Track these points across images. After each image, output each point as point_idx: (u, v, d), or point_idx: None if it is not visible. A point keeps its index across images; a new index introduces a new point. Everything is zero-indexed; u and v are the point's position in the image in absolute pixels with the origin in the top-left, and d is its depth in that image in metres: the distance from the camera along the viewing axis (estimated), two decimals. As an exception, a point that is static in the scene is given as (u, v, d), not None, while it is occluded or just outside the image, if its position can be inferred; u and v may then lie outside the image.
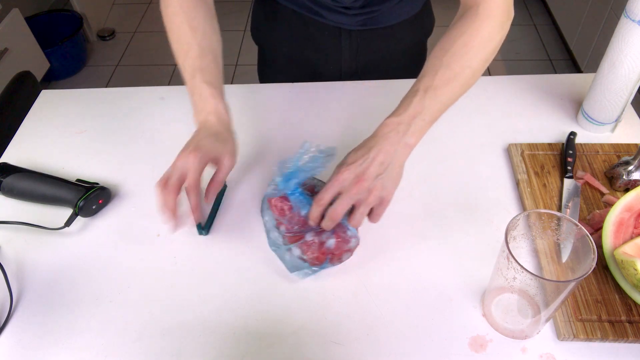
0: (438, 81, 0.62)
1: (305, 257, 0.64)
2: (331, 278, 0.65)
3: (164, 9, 0.73)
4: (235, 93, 0.93)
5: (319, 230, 0.64)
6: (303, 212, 0.63)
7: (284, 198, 0.64)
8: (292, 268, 0.64)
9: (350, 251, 0.65)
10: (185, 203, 0.63)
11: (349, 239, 0.64)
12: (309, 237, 0.64)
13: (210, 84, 0.67)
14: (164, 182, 0.61)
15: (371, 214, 0.63)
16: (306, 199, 0.64)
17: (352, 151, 0.62)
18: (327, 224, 0.61)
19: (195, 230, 0.71)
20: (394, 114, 0.63)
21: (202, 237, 0.71)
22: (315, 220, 0.62)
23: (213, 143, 0.64)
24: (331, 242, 0.63)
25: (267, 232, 0.67)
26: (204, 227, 0.71)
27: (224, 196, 0.76)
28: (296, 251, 0.64)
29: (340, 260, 0.65)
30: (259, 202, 0.75)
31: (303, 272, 0.63)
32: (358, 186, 0.59)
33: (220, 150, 0.64)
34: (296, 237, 0.65)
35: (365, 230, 0.67)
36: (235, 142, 0.68)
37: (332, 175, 0.61)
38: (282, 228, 0.65)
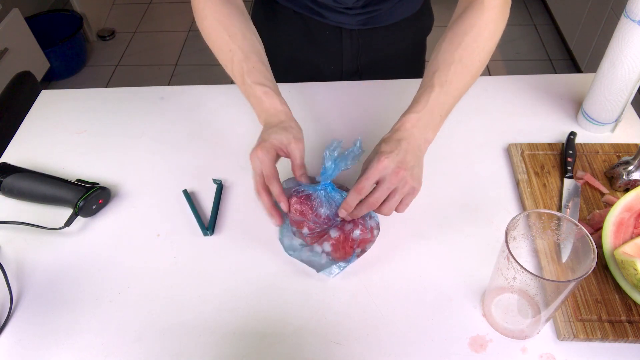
0: (452, 76, 0.63)
1: (332, 254, 0.64)
2: (331, 278, 0.65)
3: (201, 23, 0.74)
4: (236, 93, 0.93)
5: (340, 225, 0.64)
6: (322, 210, 0.63)
7: (304, 198, 0.63)
8: (319, 267, 0.64)
9: (373, 240, 0.65)
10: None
11: (372, 228, 0.64)
12: (334, 233, 0.64)
13: (261, 84, 0.67)
14: (256, 189, 0.63)
15: (400, 204, 0.63)
16: (334, 194, 0.63)
17: (383, 142, 0.62)
18: (361, 211, 0.61)
19: (196, 230, 0.72)
20: (412, 109, 0.63)
21: (201, 237, 0.71)
22: (349, 209, 0.62)
23: (276, 134, 0.63)
24: (357, 233, 0.63)
25: (282, 238, 0.68)
26: (208, 227, 0.71)
27: (223, 196, 0.76)
28: (320, 249, 0.64)
29: (364, 250, 0.65)
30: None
31: (330, 270, 0.64)
32: (398, 175, 0.59)
33: (285, 139, 0.63)
34: (319, 235, 0.64)
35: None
36: (299, 127, 0.66)
37: (373, 163, 0.60)
38: (305, 230, 0.64)
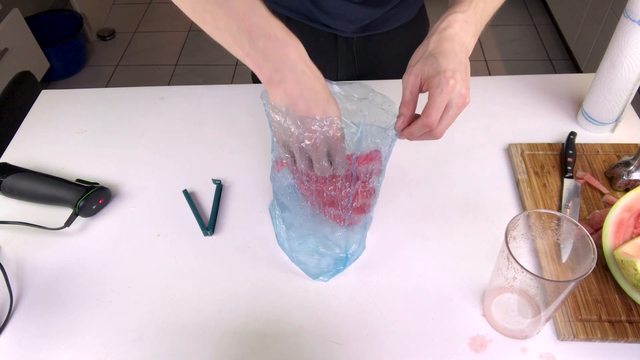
0: None
1: (333, 213, 0.59)
2: (331, 278, 0.65)
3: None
4: (235, 93, 0.93)
5: (335, 186, 0.57)
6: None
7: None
8: (315, 275, 0.64)
9: (374, 195, 0.59)
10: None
11: (371, 190, 0.59)
12: (331, 190, 0.57)
13: (280, 27, 0.49)
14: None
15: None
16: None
17: (440, 55, 0.53)
18: (417, 132, 0.54)
19: (196, 230, 0.72)
20: (457, 9, 0.56)
21: (201, 237, 0.71)
22: (412, 138, 0.55)
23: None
24: (354, 189, 0.57)
25: (282, 242, 0.67)
26: (208, 227, 0.71)
27: (223, 196, 0.76)
28: (321, 216, 0.59)
29: (363, 211, 0.60)
30: (259, 202, 0.75)
31: (328, 274, 0.63)
32: (465, 99, 0.52)
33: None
34: (316, 194, 0.58)
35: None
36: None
37: (440, 85, 0.51)
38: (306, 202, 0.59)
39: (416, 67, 0.55)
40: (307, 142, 0.51)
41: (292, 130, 0.51)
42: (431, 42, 0.55)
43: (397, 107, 0.57)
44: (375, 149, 0.56)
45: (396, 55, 0.96)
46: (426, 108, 0.53)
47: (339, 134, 0.51)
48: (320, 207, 0.59)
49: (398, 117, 0.56)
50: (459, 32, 0.55)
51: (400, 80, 0.58)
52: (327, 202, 0.58)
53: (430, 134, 0.54)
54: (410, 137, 0.56)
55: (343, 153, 0.52)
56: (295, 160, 0.55)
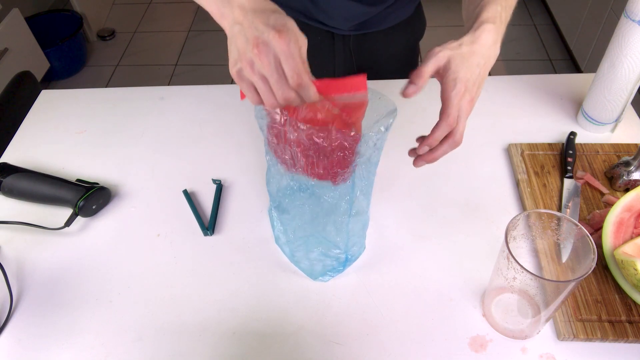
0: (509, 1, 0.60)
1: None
2: (331, 278, 0.65)
3: None
4: (235, 93, 0.93)
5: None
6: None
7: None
8: (315, 275, 0.64)
9: (358, 139, 0.53)
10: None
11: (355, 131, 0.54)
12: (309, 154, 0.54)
13: None
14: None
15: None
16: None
17: (461, 62, 0.55)
18: (451, 142, 0.57)
19: (196, 230, 0.72)
20: (489, 19, 0.57)
21: (201, 237, 0.71)
22: (435, 144, 0.57)
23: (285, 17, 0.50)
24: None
25: (280, 234, 0.66)
26: (208, 227, 0.71)
27: (222, 196, 0.76)
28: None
29: (348, 161, 0.54)
30: (259, 202, 0.75)
31: (328, 275, 0.63)
32: (471, 106, 0.56)
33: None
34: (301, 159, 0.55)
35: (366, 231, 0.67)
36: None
37: (451, 98, 0.54)
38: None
39: (446, 53, 0.55)
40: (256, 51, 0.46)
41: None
42: (464, 45, 0.56)
43: (390, 101, 0.57)
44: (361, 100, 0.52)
45: (393, 54, 0.96)
46: (443, 111, 0.55)
47: (301, 45, 0.47)
48: (300, 164, 0.55)
49: (408, 85, 0.55)
50: (491, 46, 0.56)
51: (397, 80, 0.58)
52: (305, 153, 0.54)
53: (451, 137, 0.56)
54: (433, 143, 0.57)
55: (303, 68, 0.47)
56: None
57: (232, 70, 0.50)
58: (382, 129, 0.55)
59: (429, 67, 0.55)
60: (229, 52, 0.50)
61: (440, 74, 0.56)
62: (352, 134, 0.52)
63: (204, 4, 0.54)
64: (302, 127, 0.52)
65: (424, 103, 0.81)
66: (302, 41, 0.48)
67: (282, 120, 0.54)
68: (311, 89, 0.48)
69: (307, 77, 0.47)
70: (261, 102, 0.50)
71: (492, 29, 0.56)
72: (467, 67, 0.55)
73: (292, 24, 0.48)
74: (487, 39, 0.56)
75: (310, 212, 0.60)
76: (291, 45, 0.46)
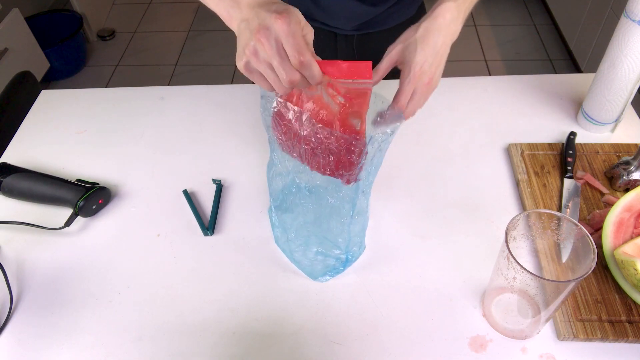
0: None
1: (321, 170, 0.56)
2: (331, 278, 0.65)
3: None
4: (235, 93, 0.93)
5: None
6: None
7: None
8: (315, 275, 0.64)
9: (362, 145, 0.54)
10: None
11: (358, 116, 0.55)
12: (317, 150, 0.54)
13: None
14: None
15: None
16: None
17: (420, 46, 0.57)
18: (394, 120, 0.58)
19: (196, 230, 0.72)
20: None
21: (201, 237, 0.71)
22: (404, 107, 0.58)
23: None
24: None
25: (282, 246, 0.66)
26: (208, 227, 0.71)
27: (222, 196, 0.76)
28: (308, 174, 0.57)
29: (352, 165, 0.54)
30: (259, 202, 0.75)
31: (328, 275, 0.63)
32: (429, 86, 0.58)
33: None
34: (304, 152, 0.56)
35: (366, 231, 0.67)
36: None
37: (410, 75, 0.57)
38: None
39: (399, 47, 0.59)
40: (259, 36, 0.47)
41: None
42: (420, 28, 0.58)
43: (389, 103, 0.59)
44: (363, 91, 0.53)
45: None
46: (396, 95, 0.58)
47: (307, 33, 0.49)
48: (309, 162, 0.56)
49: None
50: (450, 23, 0.58)
51: (395, 80, 0.59)
52: (314, 151, 0.54)
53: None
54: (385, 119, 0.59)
55: (304, 46, 0.48)
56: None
57: (240, 64, 0.50)
58: (389, 131, 0.55)
59: (382, 65, 0.60)
60: (237, 51, 0.51)
61: (399, 64, 0.59)
62: (358, 128, 0.53)
63: (214, 8, 0.56)
64: (310, 124, 0.53)
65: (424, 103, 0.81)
66: (308, 28, 0.49)
67: (294, 117, 0.54)
68: (314, 67, 0.48)
69: (309, 55, 0.48)
70: (272, 88, 0.51)
71: (452, 7, 0.58)
72: (421, 50, 0.57)
73: (294, 9, 0.49)
74: (445, 16, 0.58)
75: (314, 211, 0.60)
76: (292, 25, 0.47)
